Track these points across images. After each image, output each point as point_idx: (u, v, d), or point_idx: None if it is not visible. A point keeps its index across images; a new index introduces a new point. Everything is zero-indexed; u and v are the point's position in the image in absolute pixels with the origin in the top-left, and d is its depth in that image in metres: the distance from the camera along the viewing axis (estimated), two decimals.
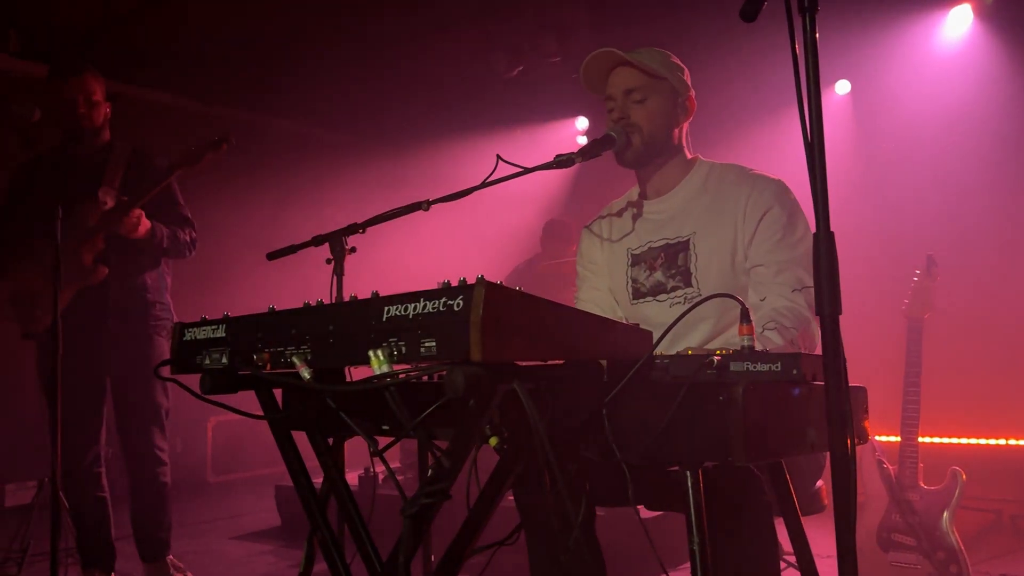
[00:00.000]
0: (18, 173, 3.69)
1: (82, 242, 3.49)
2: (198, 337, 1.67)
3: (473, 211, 3.08)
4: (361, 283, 2.14)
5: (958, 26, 5.34)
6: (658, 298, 2.30)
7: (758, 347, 1.45)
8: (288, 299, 1.66)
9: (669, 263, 2.28)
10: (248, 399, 1.67)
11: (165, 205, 3.67)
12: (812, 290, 2.08)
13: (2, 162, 3.97)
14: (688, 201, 2.32)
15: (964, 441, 4.56)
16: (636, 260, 2.36)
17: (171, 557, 3.73)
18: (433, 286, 1.27)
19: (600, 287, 2.48)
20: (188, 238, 3.74)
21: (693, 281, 2.23)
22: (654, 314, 2.29)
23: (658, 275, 2.30)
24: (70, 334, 3.36)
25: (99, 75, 3.67)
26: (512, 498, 2.12)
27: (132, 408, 3.61)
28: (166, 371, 1.72)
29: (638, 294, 2.34)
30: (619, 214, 2.47)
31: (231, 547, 4.73)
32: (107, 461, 3.74)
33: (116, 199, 3.54)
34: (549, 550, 2.04)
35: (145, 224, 3.51)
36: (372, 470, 3.42)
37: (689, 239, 2.26)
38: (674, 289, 2.27)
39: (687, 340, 2.23)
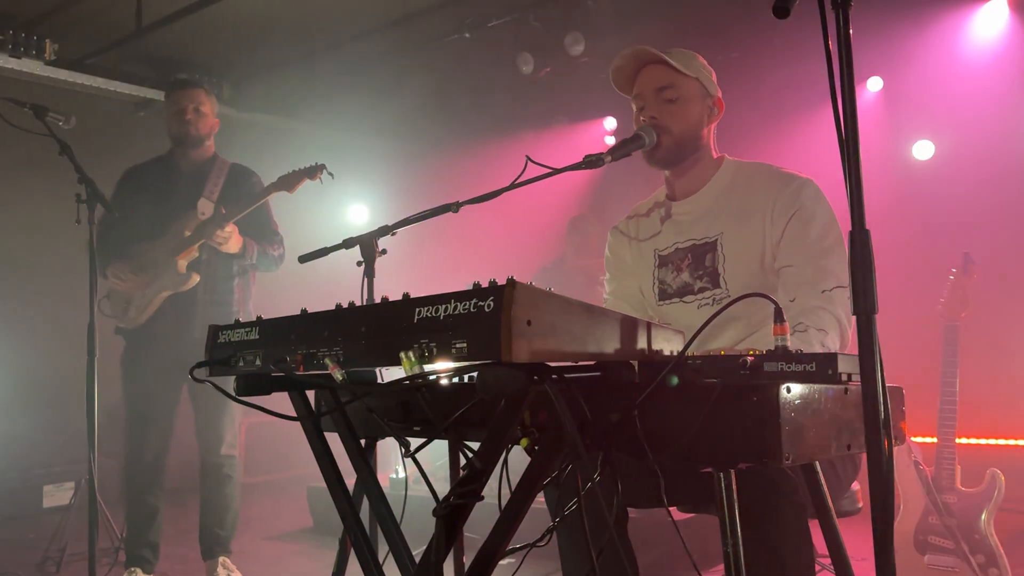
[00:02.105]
0: (124, 179, 3.92)
1: (178, 250, 3.70)
2: (232, 340, 1.68)
3: (501, 212, 3.08)
4: (391, 285, 2.15)
5: (993, 21, 5.24)
6: (685, 299, 2.28)
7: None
8: (317, 301, 1.67)
9: (696, 264, 2.27)
10: (280, 400, 1.68)
11: (259, 221, 3.89)
12: (843, 290, 2.06)
13: (38, 169, 4.08)
14: (715, 201, 2.30)
15: (1002, 442, 4.48)
16: (663, 261, 2.35)
17: (225, 558, 3.80)
18: (462, 287, 1.27)
19: (629, 287, 2.47)
20: (276, 253, 3.95)
21: (721, 282, 2.21)
22: (681, 316, 2.28)
23: (685, 276, 2.29)
24: (157, 337, 3.71)
25: (211, 92, 3.95)
26: (544, 499, 2.12)
27: (207, 402, 3.75)
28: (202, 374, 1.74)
29: (664, 295, 2.33)
30: (647, 214, 2.46)
31: (265, 547, 4.78)
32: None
33: (214, 211, 3.74)
34: (581, 551, 2.03)
35: (238, 239, 3.73)
36: (405, 470, 3.46)
37: (717, 239, 2.24)
38: (702, 290, 2.25)
39: (718, 342, 2.21)
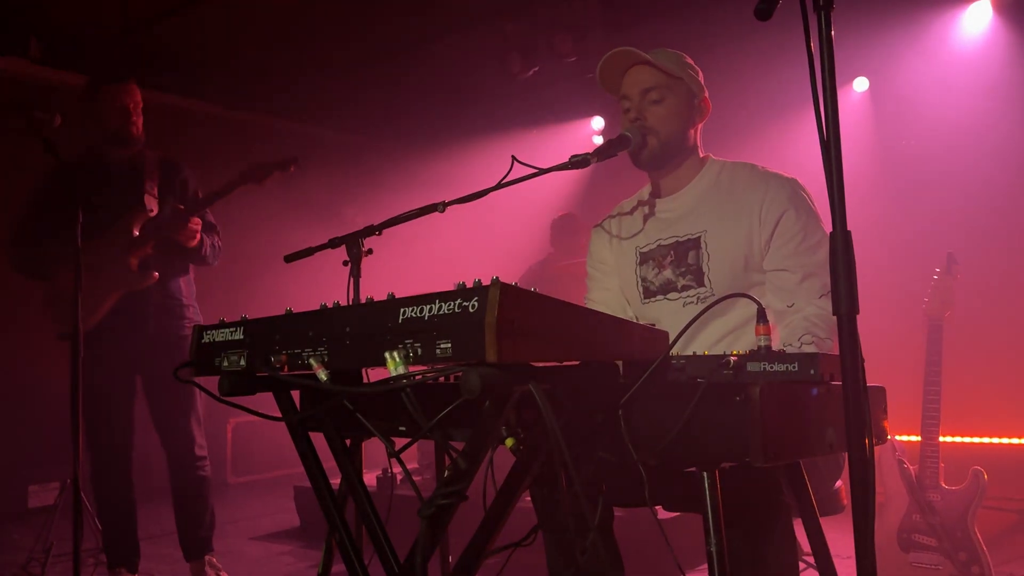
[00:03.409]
0: (52, 176, 3.74)
1: (129, 248, 3.61)
2: (216, 339, 1.68)
3: (486, 212, 3.08)
4: (377, 284, 2.15)
5: (977, 21, 5.28)
6: (669, 296, 2.29)
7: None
8: (303, 301, 1.67)
9: (678, 261, 2.27)
10: (265, 400, 1.68)
11: (200, 213, 3.79)
12: None
13: (24, 167, 4.04)
14: (699, 199, 2.31)
15: (985, 440, 4.51)
16: (644, 258, 2.36)
17: (211, 556, 3.78)
18: (447, 287, 1.28)
19: (610, 287, 2.48)
20: (218, 244, 3.90)
21: (705, 280, 2.22)
22: (666, 314, 2.29)
23: (667, 273, 2.30)
24: (110, 336, 3.59)
25: (138, 85, 3.81)
26: (529, 499, 2.13)
27: (170, 406, 3.70)
28: (186, 374, 1.73)
29: (648, 293, 2.34)
30: (630, 212, 2.46)
31: (251, 547, 4.76)
32: (140, 461, 3.82)
33: (167, 207, 3.67)
34: (566, 551, 2.04)
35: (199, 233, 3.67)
36: (390, 471, 3.46)
37: (700, 236, 2.25)
38: (686, 288, 2.26)
39: (699, 340, 2.22)
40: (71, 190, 3.55)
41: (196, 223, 3.64)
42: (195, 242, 3.69)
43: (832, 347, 2.03)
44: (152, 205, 3.68)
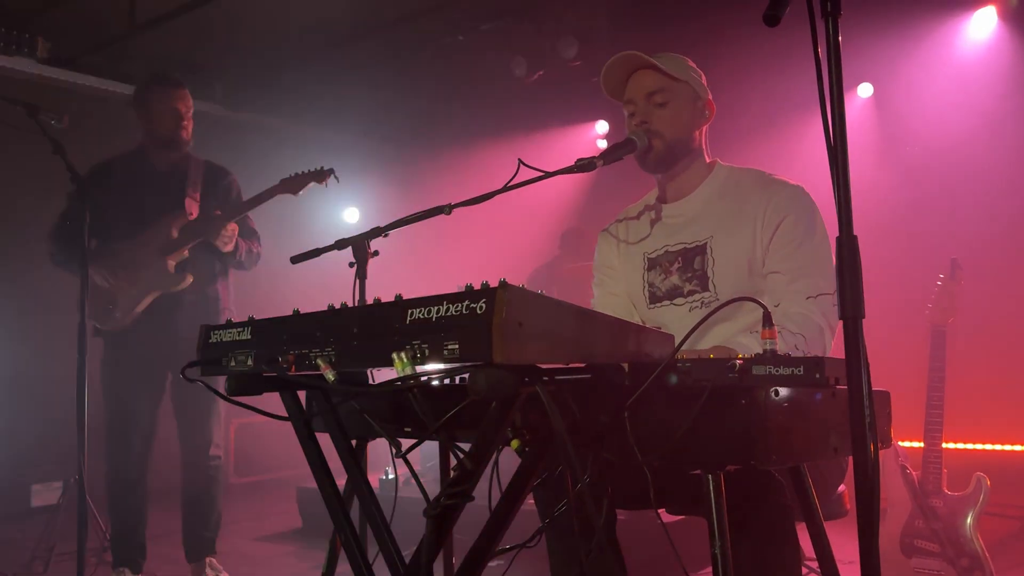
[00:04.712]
0: (95, 174, 3.80)
1: (167, 250, 3.67)
2: (224, 339, 1.69)
3: (491, 214, 3.09)
4: (382, 286, 2.15)
5: (982, 28, 5.28)
6: (675, 302, 2.30)
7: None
8: (306, 302, 1.68)
9: (685, 267, 2.28)
10: (269, 400, 1.69)
11: (241, 219, 3.85)
12: (828, 297, 2.08)
13: (32, 167, 4.06)
14: (706, 205, 2.32)
15: (988, 447, 4.51)
16: (652, 264, 2.36)
17: (212, 558, 3.80)
18: (451, 289, 1.28)
19: (617, 292, 2.48)
20: (257, 251, 3.94)
21: (710, 285, 2.23)
22: (672, 318, 2.29)
23: (674, 279, 2.30)
24: (142, 336, 3.68)
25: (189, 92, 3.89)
26: (533, 501, 2.13)
27: (193, 404, 3.74)
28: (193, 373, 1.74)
29: (655, 298, 2.34)
30: (637, 217, 2.47)
31: (254, 548, 4.77)
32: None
33: (205, 211, 3.74)
34: (570, 553, 2.04)
35: (235, 238, 3.73)
36: (394, 472, 3.48)
37: (706, 243, 2.26)
38: (691, 293, 2.27)
39: (704, 344, 2.23)
40: (109, 190, 3.70)
41: (232, 228, 3.69)
42: (230, 247, 3.73)
43: (802, 344, 2.02)
44: (192, 209, 3.75)
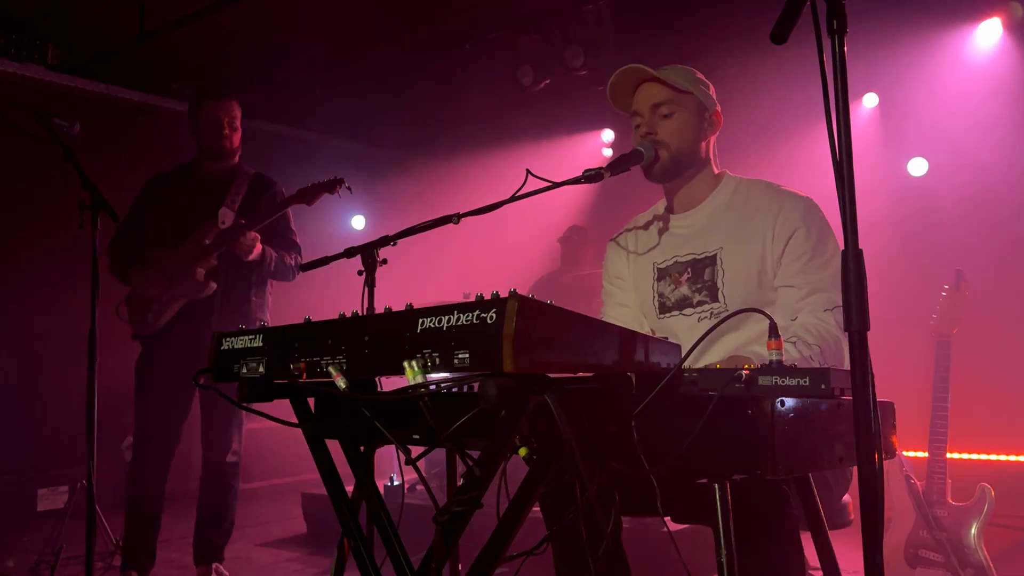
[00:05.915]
0: (148, 185, 3.97)
1: (197, 258, 3.73)
2: (235, 347, 1.71)
3: (498, 223, 3.12)
4: (390, 294, 2.17)
5: (987, 40, 5.29)
6: (684, 312, 2.31)
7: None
8: (310, 309, 1.70)
9: (695, 277, 2.30)
10: (276, 405, 1.71)
11: (278, 230, 3.93)
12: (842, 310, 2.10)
13: (44, 174, 4.10)
14: (715, 216, 2.33)
15: (993, 457, 4.51)
16: (662, 274, 2.38)
17: (218, 565, 3.82)
18: (457, 298, 1.30)
19: (628, 302, 2.50)
20: (292, 262, 3.97)
21: (720, 296, 2.25)
22: (682, 328, 2.31)
23: (684, 289, 2.32)
24: (168, 342, 3.74)
25: (239, 103, 3.97)
26: (539, 508, 2.14)
27: (217, 409, 3.77)
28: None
29: (664, 309, 2.36)
30: (645, 227, 2.49)
31: (259, 554, 4.78)
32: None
33: (234, 220, 3.78)
34: (577, 561, 2.05)
35: (258, 247, 3.77)
36: (402, 478, 3.50)
37: (716, 254, 2.28)
38: (700, 304, 2.28)
39: (712, 354, 2.24)
40: (158, 198, 3.82)
41: (251, 237, 3.72)
42: (252, 256, 3.76)
43: (819, 355, 2.04)
44: (227, 217, 3.79)
